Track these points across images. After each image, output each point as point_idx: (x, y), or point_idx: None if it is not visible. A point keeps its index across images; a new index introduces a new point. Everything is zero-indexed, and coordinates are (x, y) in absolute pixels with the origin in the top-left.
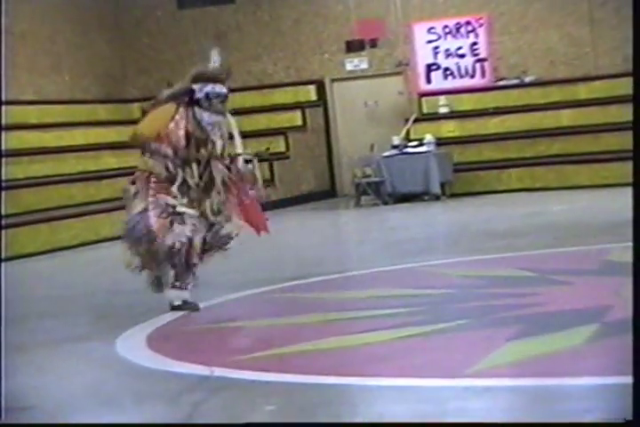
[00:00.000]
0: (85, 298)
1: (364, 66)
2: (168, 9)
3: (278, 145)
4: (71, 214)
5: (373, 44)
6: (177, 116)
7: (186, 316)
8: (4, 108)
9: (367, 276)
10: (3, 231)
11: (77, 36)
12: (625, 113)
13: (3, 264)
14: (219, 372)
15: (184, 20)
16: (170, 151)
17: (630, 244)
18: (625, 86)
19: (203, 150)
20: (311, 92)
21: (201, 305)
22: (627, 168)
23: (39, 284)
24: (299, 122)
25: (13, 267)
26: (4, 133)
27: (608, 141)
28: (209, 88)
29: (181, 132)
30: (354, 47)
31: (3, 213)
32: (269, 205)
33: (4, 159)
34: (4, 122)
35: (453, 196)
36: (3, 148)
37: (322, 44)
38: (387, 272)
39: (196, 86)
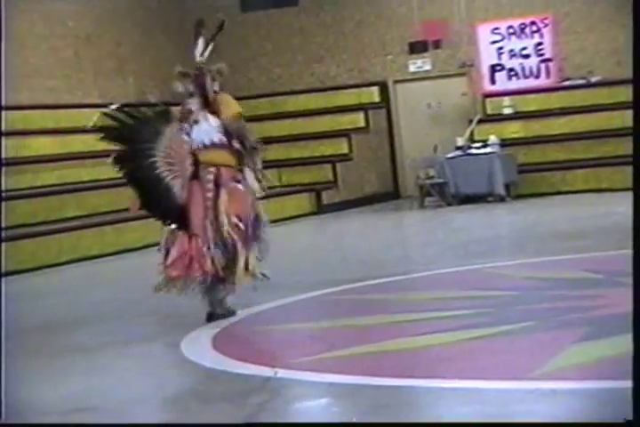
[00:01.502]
0: (151, 300)
1: (428, 67)
2: (231, 12)
3: (341, 147)
4: (136, 217)
5: (437, 45)
6: None
7: (250, 317)
8: (69, 111)
9: (431, 277)
10: (67, 234)
11: (142, 38)
12: None
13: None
14: (282, 373)
15: (247, 23)
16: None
17: None
18: None
19: None
20: (374, 94)
21: (265, 306)
22: None
23: (104, 286)
24: (362, 124)
25: (79, 269)
26: (68, 136)
27: None
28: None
29: None
30: (417, 48)
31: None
32: (333, 207)
33: (69, 162)
34: (70, 125)
35: (518, 197)
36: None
37: (385, 45)
38: (451, 274)
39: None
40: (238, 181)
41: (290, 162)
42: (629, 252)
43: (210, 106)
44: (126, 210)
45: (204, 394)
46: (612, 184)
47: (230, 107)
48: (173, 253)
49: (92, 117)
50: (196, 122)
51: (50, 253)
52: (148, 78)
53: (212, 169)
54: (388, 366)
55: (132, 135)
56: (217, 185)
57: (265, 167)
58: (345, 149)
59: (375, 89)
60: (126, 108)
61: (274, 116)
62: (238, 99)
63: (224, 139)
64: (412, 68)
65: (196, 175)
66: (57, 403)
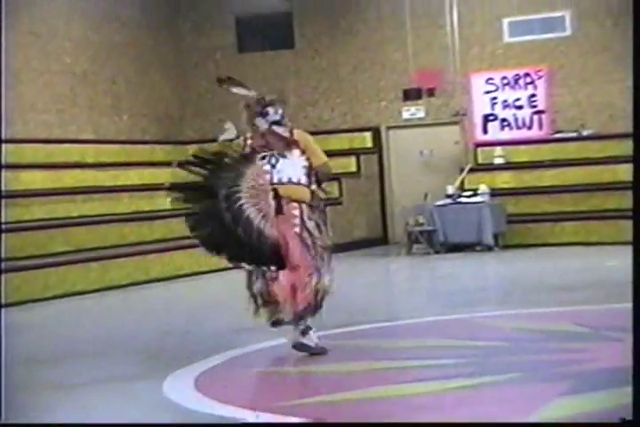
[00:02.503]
0: (134, 338)
1: (421, 115)
2: (228, 52)
3: (332, 191)
4: (123, 254)
5: (431, 93)
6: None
7: (234, 359)
8: (61, 146)
9: (417, 325)
10: (54, 269)
11: (138, 76)
12: None
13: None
14: (264, 417)
15: (243, 64)
16: None
17: None
18: None
19: None
20: (367, 139)
21: (250, 349)
22: None
23: (89, 323)
24: (353, 168)
25: (63, 305)
26: (59, 171)
27: None
28: (270, 117)
29: None
30: (411, 96)
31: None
32: None
33: (59, 197)
34: (62, 160)
35: (506, 247)
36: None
37: (379, 91)
38: (437, 322)
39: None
40: (311, 219)
41: None
42: (617, 306)
43: (292, 140)
44: (113, 247)
45: None
46: (600, 238)
47: (318, 153)
48: (282, 280)
49: (85, 153)
50: (282, 155)
51: (35, 288)
52: (142, 116)
53: (296, 205)
54: (371, 413)
55: (211, 187)
56: (302, 221)
57: None
58: (335, 193)
59: (368, 134)
60: (200, 156)
61: None
62: (231, 139)
63: (305, 179)
64: (405, 115)
65: (279, 210)
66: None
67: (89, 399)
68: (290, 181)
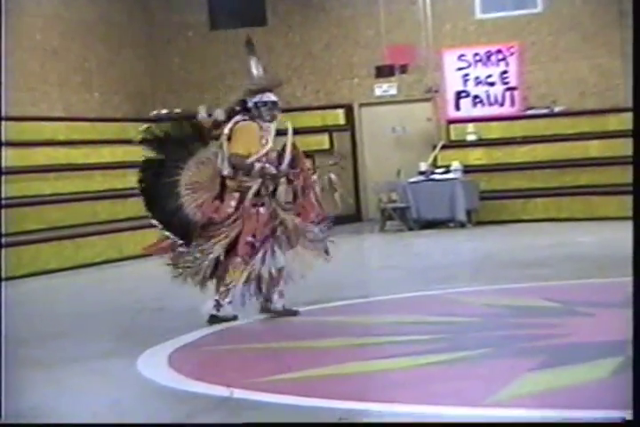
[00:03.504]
0: (108, 316)
1: (394, 91)
2: (200, 29)
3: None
4: (96, 232)
5: (403, 69)
6: (262, 133)
7: (208, 336)
8: (32, 123)
9: (390, 301)
10: (26, 247)
11: (109, 53)
12: None
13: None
14: (238, 393)
15: (215, 41)
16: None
17: None
18: None
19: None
20: (339, 117)
21: (223, 326)
22: None
23: (62, 301)
24: (326, 145)
25: (37, 283)
26: (31, 149)
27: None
28: (256, 98)
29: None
30: (384, 72)
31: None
32: None
33: (31, 174)
34: (33, 138)
35: (479, 224)
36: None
37: (352, 68)
38: (410, 298)
39: (247, 98)
40: (262, 204)
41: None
42: (588, 281)
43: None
44: (86, 225)
45: (158, 413)
46: (571, 214)
47: (232, 145)
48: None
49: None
50: (220, 147)
51: (8, 266)
52: (113, 93)
53: (236, 195)
54: (344, 389)
55: (165, 151)
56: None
57: None
58: None
59: (341, 111)
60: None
61: None
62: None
63: (229, 170)
64: (377, 92)
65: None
66: (8, 416)
67: (63, 377)
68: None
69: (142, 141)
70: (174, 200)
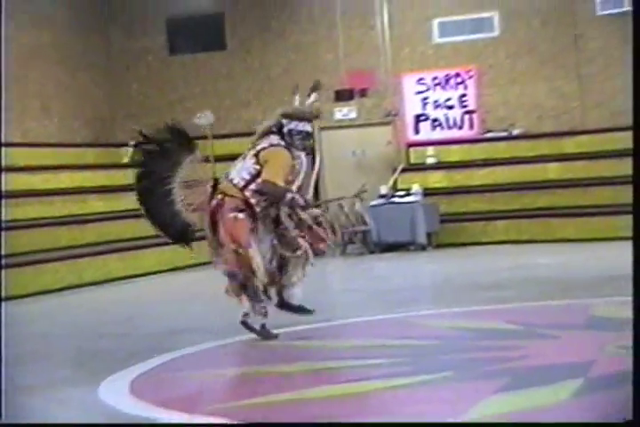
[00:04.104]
0: (68, 342)
1: (353, 115)
2: (159, 54)
3: None
4: (56, 258)
5: (363, 93)
6: (293, 161)
7: (171, 361)
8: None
9: (352, 325)
10: None
11: (67, 78)
12: (611, 168)
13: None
14: (200, 419)
15: (174, 66)
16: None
17: (615, 299)
18: (612, 141)
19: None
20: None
21: (185, 351)
22: (612, 222)
23: (22, 327)
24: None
25: None
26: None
27: (594, 195)
28: (292, 125)
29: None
30: (343, 96)
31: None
32: None
33: None
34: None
35: (439, 246)
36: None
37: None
38: (372, 322)
39: (284, 121)
40: (241, 211)
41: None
42: (549, 303)
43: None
44: (46, 251)
45: None
46: (531, 236)
47: (267, 170)
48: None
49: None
50: (243, 157)
51: None
52: (72, 118)
53: (226, 198)
54: (308, 414)
55: (152, 168)
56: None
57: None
58: None
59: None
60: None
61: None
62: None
63: (242, 182)
64: (337, 116)
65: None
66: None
67: (24, 404)
68: (227, 179)
69: (130, 163)
70: (170, 207)
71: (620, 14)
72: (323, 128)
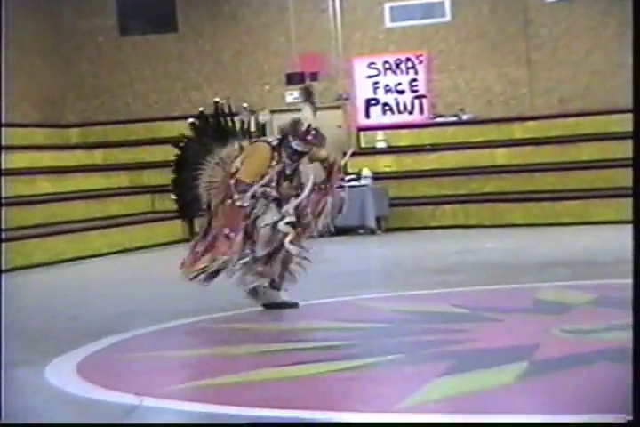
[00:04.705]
0: (19, 323)
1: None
2: (110, 35)
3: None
4: (4, 239)
5: (314, 77)
6: (272, 162)
7: (118, 343)
8: None
9: (301, 308)
10: None
11: (17, 59)
12: (558, 153)
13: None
14: (148, 401)
15: (125, 47)
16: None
17: (560, 283)
18: (559, 127)
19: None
20: (251, 123)
21: (133, 333)
22: (558, 207)
23: None
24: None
25: None
26: None
27: (542, 181)
28: (293, 143)
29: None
30: (294, 80)
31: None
32: None
33: None
34: None
35: (388, 230)
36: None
37: (262, 75)
38: (320, 305)
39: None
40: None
41: (163, 188)
42: (496, 287)
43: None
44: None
45: (66, 421)
46: (479, 220)
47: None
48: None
49: None
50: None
51: None
52: (21, 99)
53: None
54: (254, 396)
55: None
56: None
57: (138, 193)
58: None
59: (252, 118)
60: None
61: (149, 141)
62: (113, 123)
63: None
64: (288, 99)
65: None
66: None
67: None
68: None
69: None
70: (194, 190)
71: (570, 1)
72: (273, 111)
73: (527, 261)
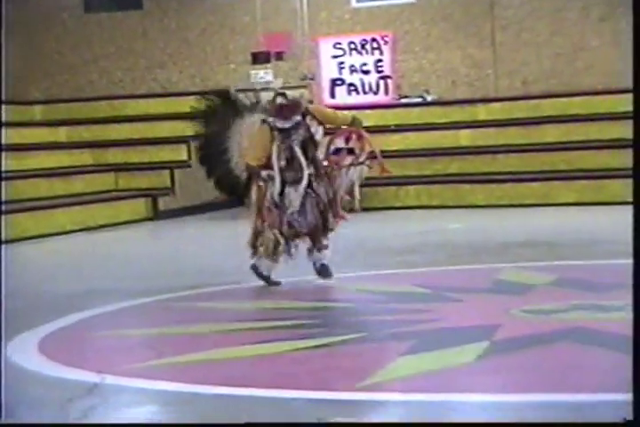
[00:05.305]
0: None
1: (269, 78)
2: (75, 12)
3: (180, 153)
4: None
5: (279, 56)
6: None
7: (80, 322)
8: None
9: (264, 287)
10: None
11: None
12: (521, 135)
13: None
14: (110, 379)
15: (90, 24)
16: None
17: (521, 264)
18: (523, 109)
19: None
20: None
21: (95, 312)
22: (520, 189)
23: None
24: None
25: None
26: None
27: (504, 162)
28: (273, 122)
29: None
30: (259, 59)
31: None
32: (170, 214)
33: None
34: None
35: (352, 210)
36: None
37: (228, 54)
38: (284, 285)
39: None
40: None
41: (127, 166)
42: (457, 268)
43: None
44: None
45: (28, 399)
46: (442, 201)
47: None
48: None
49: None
50: None
51: None
52: None
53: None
54: (216, 374)
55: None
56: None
57: (102, 171)
58: (184, 156)
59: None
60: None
61: (113, 119)
62: (77, 100)
63: None
64: (253, 79)
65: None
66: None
67: None
68: None
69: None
70: (225, 164)
71: None
72: (238, 90)
73: (489, 241)
